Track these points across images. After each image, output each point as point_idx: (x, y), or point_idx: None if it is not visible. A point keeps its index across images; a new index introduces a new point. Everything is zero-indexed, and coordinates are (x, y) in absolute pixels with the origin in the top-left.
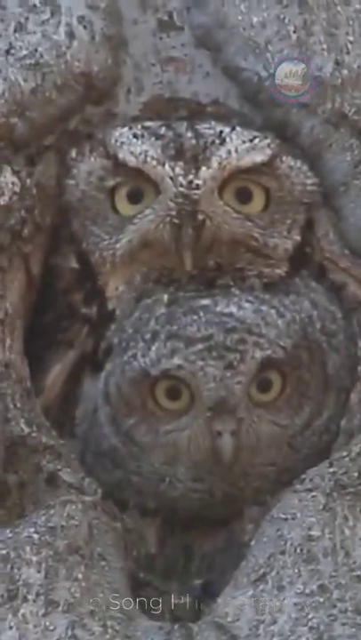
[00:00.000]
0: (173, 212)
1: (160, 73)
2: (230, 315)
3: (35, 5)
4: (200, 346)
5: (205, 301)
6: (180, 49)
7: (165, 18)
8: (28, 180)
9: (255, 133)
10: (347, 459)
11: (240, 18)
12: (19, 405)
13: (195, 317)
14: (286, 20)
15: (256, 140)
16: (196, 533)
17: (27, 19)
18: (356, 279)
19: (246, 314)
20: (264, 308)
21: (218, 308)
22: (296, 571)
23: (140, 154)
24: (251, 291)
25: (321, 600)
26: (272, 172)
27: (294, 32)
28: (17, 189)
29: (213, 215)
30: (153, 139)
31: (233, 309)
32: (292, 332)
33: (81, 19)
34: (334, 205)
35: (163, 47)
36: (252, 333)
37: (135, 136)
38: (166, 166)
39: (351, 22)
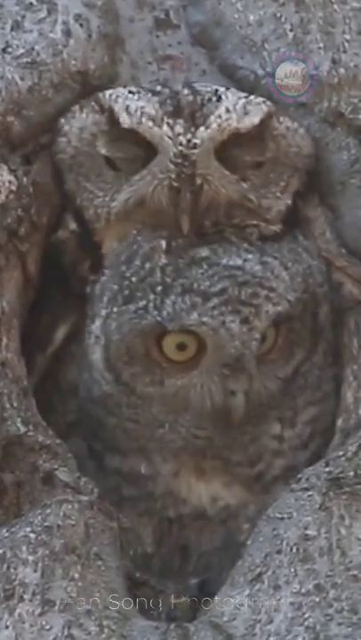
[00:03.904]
0: (172, 175)
1: (157, 71)
2: (239, 267)
3: (31, 4)
4: (216, 300)
5: (205, 252)
6: (177, 47)
7: (162, 16)
8: (25, 179)
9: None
10: (343, 458)
11: (236, 16)
12: (15, 405)
13: (201, 270)
14: (283, 19)
15: (251, 97)
16: (193, 533)
17: (23, 17)
18: (353, 278)
19: (254, 266)
20: (268, 259)
21: (223, 261)
22: (292, 570)
23: (137, 110)
24: (245, 239)
25: (317, 599)
26: (269, 132)
27: (291, 30)
28: (14, 188)
29: (211, 179)
30: (150, 95)
31: (238, 262)
32: (296, 285)
33: (77, 17)
34: (331, 204)
35: (159, 45)
36: (264, 287)
37: (131, 92)
38: (164, 126)
39: (348, 21)
